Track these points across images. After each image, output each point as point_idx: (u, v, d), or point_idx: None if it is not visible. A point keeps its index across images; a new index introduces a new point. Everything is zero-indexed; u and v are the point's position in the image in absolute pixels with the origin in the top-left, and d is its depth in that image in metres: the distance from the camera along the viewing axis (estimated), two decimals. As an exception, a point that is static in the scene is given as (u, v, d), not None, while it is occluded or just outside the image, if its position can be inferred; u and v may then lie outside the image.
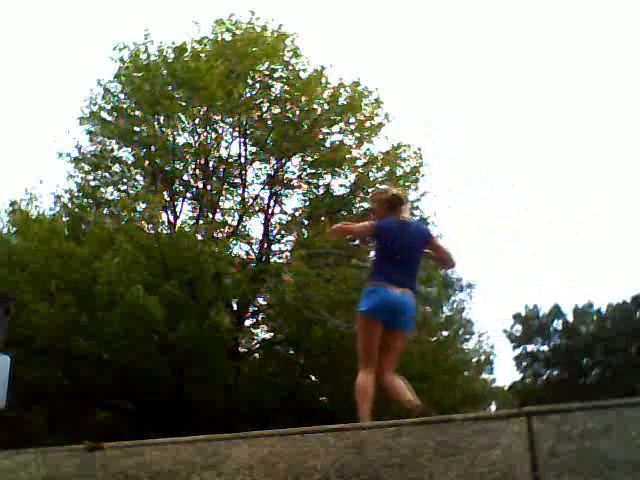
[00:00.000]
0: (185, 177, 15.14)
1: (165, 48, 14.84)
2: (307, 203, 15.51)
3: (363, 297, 4.37)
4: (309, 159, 15.26)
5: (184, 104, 14.28)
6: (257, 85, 15.11)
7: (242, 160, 15.28)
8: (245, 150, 15.31)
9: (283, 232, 15.55)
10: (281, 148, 14.93)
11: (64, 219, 14.22)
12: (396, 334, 4.35)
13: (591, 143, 55.73)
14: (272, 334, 15.21)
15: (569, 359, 35.28)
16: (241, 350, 14.76)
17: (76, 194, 14.97)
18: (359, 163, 15.33)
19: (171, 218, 14.75)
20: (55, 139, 15.07)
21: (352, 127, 15.22)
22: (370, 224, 4.56)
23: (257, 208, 15.50)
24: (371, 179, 15.14)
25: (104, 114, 14.99)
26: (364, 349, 4.29)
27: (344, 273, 12.91)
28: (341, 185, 15.38)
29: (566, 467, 2.23)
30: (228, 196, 15.61)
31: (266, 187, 15.45)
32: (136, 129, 14.48)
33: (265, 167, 15.48)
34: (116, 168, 15.02)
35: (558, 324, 37.17)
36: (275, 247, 15.60)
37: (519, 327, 37.36)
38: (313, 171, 15.41)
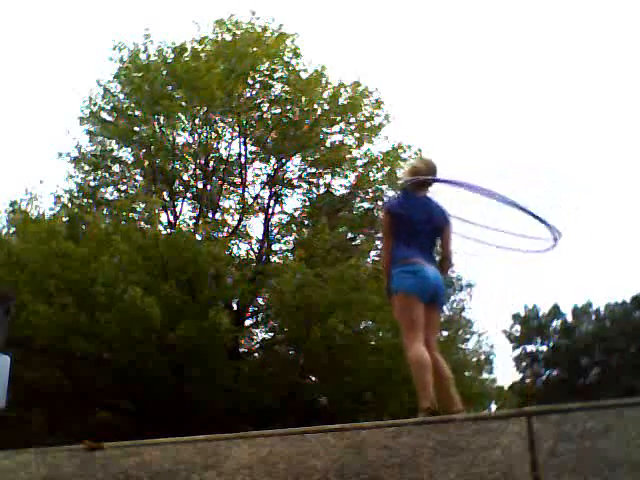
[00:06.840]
0: (185, 177, 15.16)
1: (165, 48, 14.85)
2: (307, 203, 15.50)
3: (401, 275, 4.08)
4: (309, 159, 15.25)
5: (184, 104, 14.27)
6: (257, 85, 15.11)
7: (242, 160, 15.28)
8: (245, 150, 15.32)
9: (283, 232, 15.54)
10: (281, 148, 14.92)
11: (64, 219, 14.20)
12: (435, 309, 4.21)
13: (592, 143, 55.75)
14: (272, 334, 15.19)
15: (568, 359, 35.28)
16: (241, 350, 14.73)
17: (76, 194, 14.98)
18: (359, 163, 15.33)
19: (171, 218, 14.76)
20: (55, 139, 15.07)
21: (352, 127, 15.22)
22: (387, 211, 4.38)
23: (257, 208, 15.50)
24: (371, 179, 15.14)
25: (104, 114, 15.01)
26: (410, 326, 3.99)
27: (342, 273, 12.88)
28: (341, 185, 15.40)
29: (566, 467, 2.23)
30: (228, 196, 15.61)
31: (266, 187, 15.44)
32: (136, 129, 14.49)
33: (265, 167, 15.49)
34: (116, 168, 15.04)
35: (557, 324, 37.18)
36: (275, 247, 15.60)
37: (518, 327, 37.37)
38: (313, 171, 15.41)
